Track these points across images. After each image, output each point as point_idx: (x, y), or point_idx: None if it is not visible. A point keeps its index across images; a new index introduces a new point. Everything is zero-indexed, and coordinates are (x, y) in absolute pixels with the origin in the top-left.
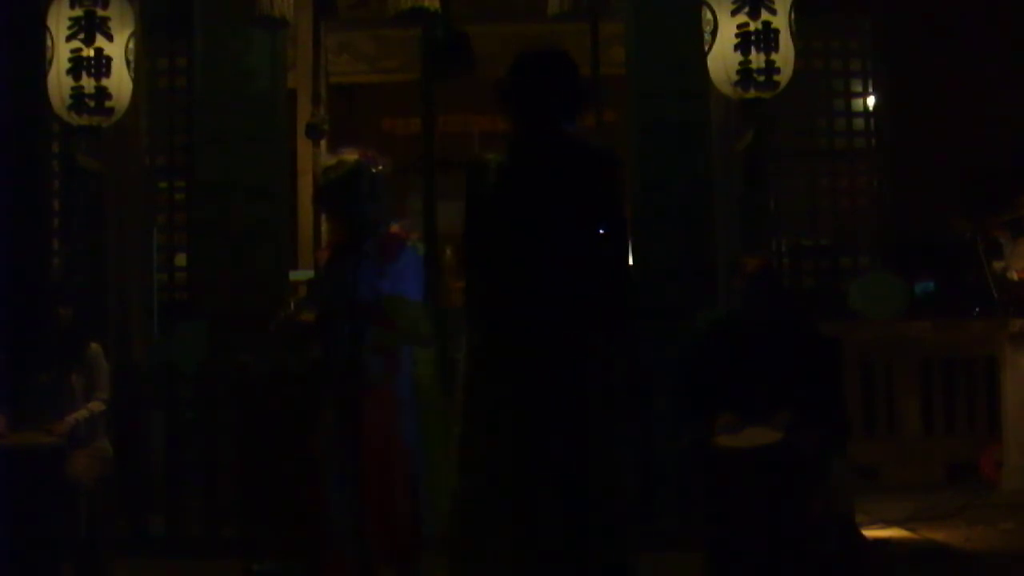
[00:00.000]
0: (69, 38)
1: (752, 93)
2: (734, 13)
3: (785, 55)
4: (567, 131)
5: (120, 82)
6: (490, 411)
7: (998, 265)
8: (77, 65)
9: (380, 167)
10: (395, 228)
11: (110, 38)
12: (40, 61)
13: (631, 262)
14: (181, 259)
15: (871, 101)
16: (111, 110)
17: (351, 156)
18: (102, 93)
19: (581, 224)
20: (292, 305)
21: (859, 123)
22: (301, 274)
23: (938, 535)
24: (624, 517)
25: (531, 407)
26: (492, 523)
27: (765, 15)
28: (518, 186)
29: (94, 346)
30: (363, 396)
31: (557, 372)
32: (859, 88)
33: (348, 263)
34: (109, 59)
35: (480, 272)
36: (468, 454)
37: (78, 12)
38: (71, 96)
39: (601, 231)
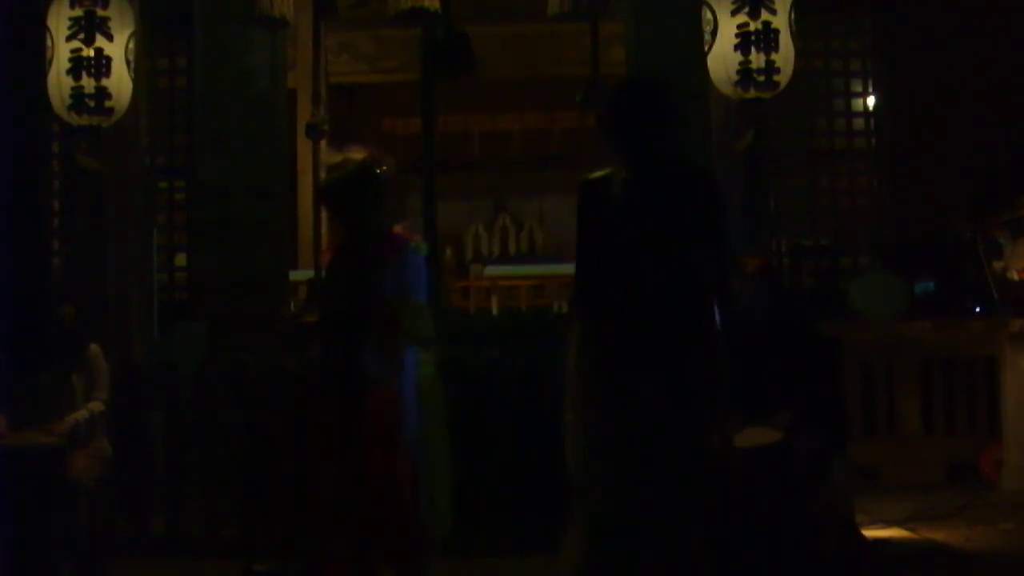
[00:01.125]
0: (69, 38)
1: (752, 93)
2: (734, 13)
3: (785, 55)
4: (668, 153)
5: (120, 82)
6: (607, 405)
7: (998, 265)
8: (77, 65)
9: (385, 168)
10: (398, 229)
11: (110, 38)
12: (40, 61)
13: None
14: (181, 259)
15: (871, 101)
16: (111, 110)
17: (357, 155)
18: (102, 93)
19: (683, 235)
20: (292, 306)
21: (859, 123)
22: (301, 274)
23: (938, 535)
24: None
25: (644, 402)
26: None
27: (765, 15)
28: (627, 202)
29: (93, 346)
30: (366, 397)
31: (665, 366)
32: (859, 88)
33: (351, 263)
34: (109, 59)
35: (594, 277)
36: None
37: (78, 12)
38: (71, 96)
39: (699, 240)
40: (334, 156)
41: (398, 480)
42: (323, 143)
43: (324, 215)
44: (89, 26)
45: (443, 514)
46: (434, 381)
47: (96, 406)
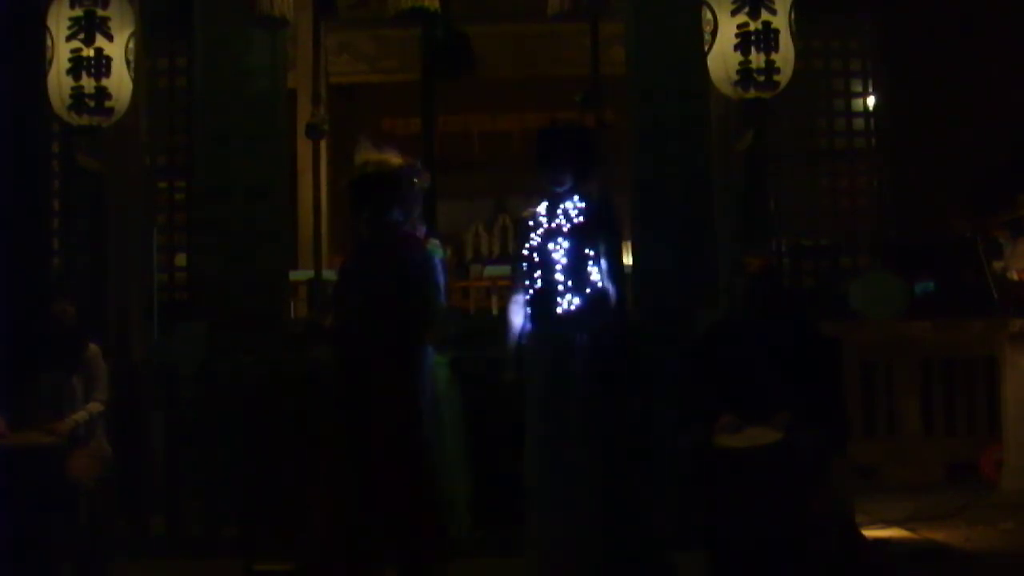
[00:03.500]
0: (69, 38)
1: (752, 93)
2: (734, 13)
3: (785, 55)
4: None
5: (120, 82)
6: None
7: (998, 265)
8: (77, 65)
9: (423, 178)
10: (417, 233)
11: (110, 38)
12: (40, 61)
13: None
14: (181, 259)
15: (871, 101)
16: (111, 110)
17: (394, 159)
18: (102, 93)
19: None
20: (292, 307)
21: (859, 123)
22: (301, 274)
23: (938, 535)
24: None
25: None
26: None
27: (765, 15)
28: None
29: (92, 346)
30: (388, 397)
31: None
32: (859, 88)
33: (376, 264)
34: (109, 59)
35: (518, 290)
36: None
37: (78, 12)
38: (71, 96)
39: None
40: (372, 154)
41: (417, 481)
42: (362, 139)
43: (324, 215)
44: (89, 26)
45: (461, 514)
46: (449, 383)
47: (95, 407)
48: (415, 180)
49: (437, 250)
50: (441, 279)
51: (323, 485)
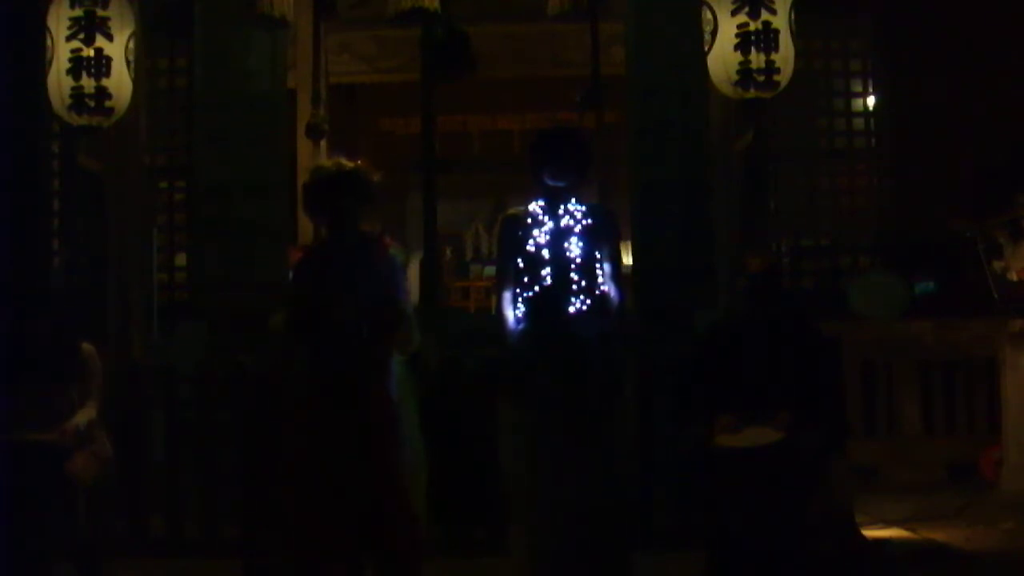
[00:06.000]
0: (69, 38)
1: (752, 93)
2: (734, 13)
3: (785, 55)
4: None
5: (120, 82)
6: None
7: (998, 265)
8: (77, 65)
9: (374, 178)
10: (385, 237)
11: (110, 38)
12: (40, 61)
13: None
14: (181, 259)
15: (871, 101)
16: (111, 110)
17: (347, 163)
18: (102, 93)
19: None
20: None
21: (859, 123)
22: None
23: (938, 535)
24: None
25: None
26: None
27: (765, 15)
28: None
29: (86, 346)
30: (364, 398)
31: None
32: (859, 88)
33: (339, 267)
34: (109, 59)
35: (509, 287)
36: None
37: (78, 12)
38: (71, 96)
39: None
40: (323, 160)
41: (397, 479)
42: (323, 145)
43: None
44: (89, 26)
45: (419, 514)
46: (405, 382)
47: (89, 413)
48: (373, 180)
49: (400, 254)
50: (404, 285)
51: (302, 485)
